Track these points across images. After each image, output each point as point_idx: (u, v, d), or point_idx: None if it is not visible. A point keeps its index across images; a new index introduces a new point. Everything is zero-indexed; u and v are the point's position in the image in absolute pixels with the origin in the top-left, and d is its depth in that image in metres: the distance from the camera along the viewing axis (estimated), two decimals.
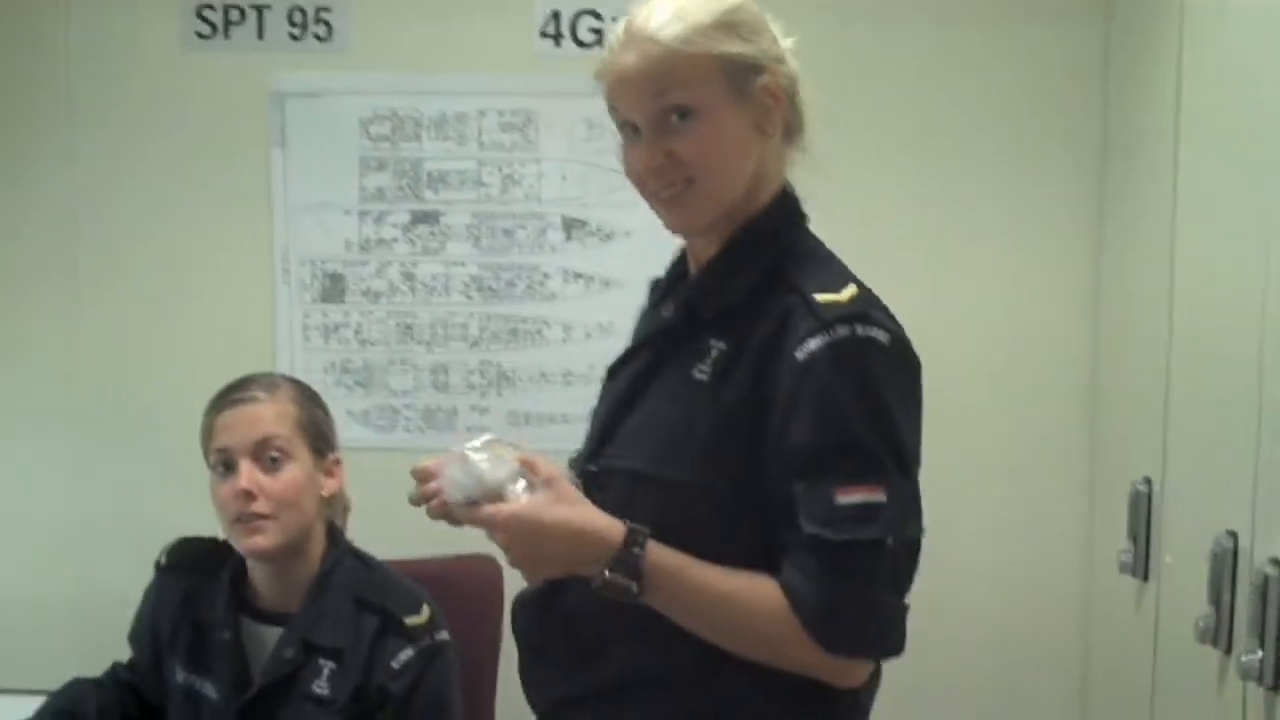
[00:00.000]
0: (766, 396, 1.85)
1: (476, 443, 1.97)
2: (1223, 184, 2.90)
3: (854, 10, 3.56)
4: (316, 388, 3.64)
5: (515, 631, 2.12)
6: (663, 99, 1.92)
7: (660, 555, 1.86)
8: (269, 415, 2.59)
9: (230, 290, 3.72)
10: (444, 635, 2.63)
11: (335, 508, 2.77)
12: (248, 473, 2.53)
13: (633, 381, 2.05)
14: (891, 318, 1.91)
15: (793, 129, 2.02)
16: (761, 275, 1.93)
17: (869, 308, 1.86)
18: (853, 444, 1.79)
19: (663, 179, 1.95)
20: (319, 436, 2.68)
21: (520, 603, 2.10)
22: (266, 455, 2.56)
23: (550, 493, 1.90)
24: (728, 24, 1.92)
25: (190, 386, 3.64)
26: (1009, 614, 3.74)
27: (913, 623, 1.98)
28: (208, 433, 2.60)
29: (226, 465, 2.55)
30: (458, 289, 3.70)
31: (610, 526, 1.87)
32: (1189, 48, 3.07)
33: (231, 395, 2.61)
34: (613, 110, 1.99)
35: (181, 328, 3.70)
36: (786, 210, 2.01)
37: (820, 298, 1.85)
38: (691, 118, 1.92)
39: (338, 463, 2.73)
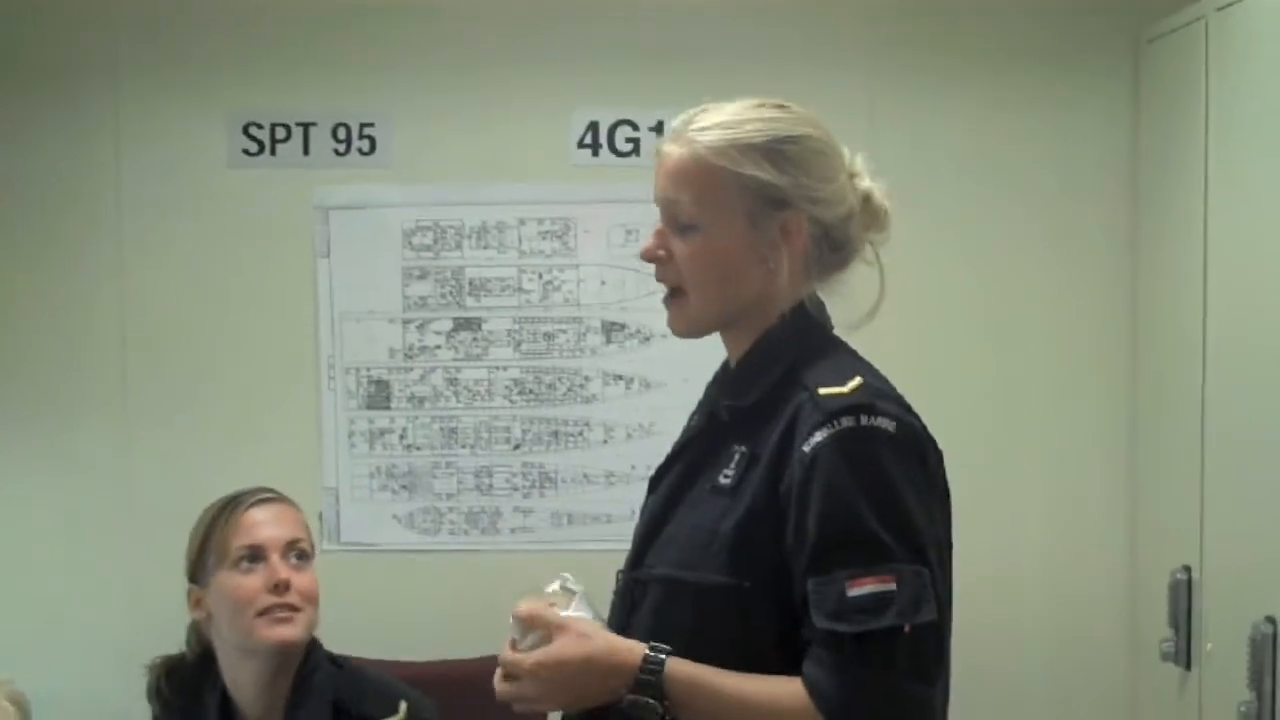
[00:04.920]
0: (782, 494, 1.88)
1: (553, 589, 2.04)
2: (1256, 270, 2.95)
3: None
4: (362, 492, 3.75)
5: None
6: (677, 202, 1.99)
7: (683, 670, 1.88)
8: (294, 518, 2.65)
9: (277, 398, 3.79)
10: None
11: None
12: (282, 565, 2.56)
13: (669, 492, 2.08)
14: (903, 406, 1.93)
15: (824, 265, 2.04)
16: (776, 380, 1.97)
17: (873, 398, 1.88)
18: (861, 534, 1.81)
19: (658, 271, 2.04)
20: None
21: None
22: (293, 553, 2.59)
23: (567, 635, 1.94)
24: (772, 150, 1.95)
25: None
26: (1055, 706, 3.75)
27: (961, 718, 2.01)
28: (231, 530, 2.59)
29: (253, 559, 2.56)
30: (500, 393, 3.76)
31: (629, 651, 1.91)
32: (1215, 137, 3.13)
33: (256, 496, 2.64)
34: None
35: (230, 436, 3.76)
36: (799, 325, 2.02)
37: (824, 391, 1.88)
38: (695, 231, 1.98)
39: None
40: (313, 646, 2.63)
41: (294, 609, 2.54)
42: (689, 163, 1.97)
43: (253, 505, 2.61)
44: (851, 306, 2.08)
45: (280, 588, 2.53)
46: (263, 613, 2.52)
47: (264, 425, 3.79)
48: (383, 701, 2.58)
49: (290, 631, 2.54)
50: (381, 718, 2.56)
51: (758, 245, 1.97)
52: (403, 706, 2.56)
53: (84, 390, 3.77)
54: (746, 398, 2.00)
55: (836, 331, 2.08)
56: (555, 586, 2.03)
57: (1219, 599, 3.12)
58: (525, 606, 1.99)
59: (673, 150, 2.00)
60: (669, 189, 2.00)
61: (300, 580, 2.57)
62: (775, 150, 1.96)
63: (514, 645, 1.98)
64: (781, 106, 2.02)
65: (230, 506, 2.62)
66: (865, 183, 2.05)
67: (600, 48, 3.71)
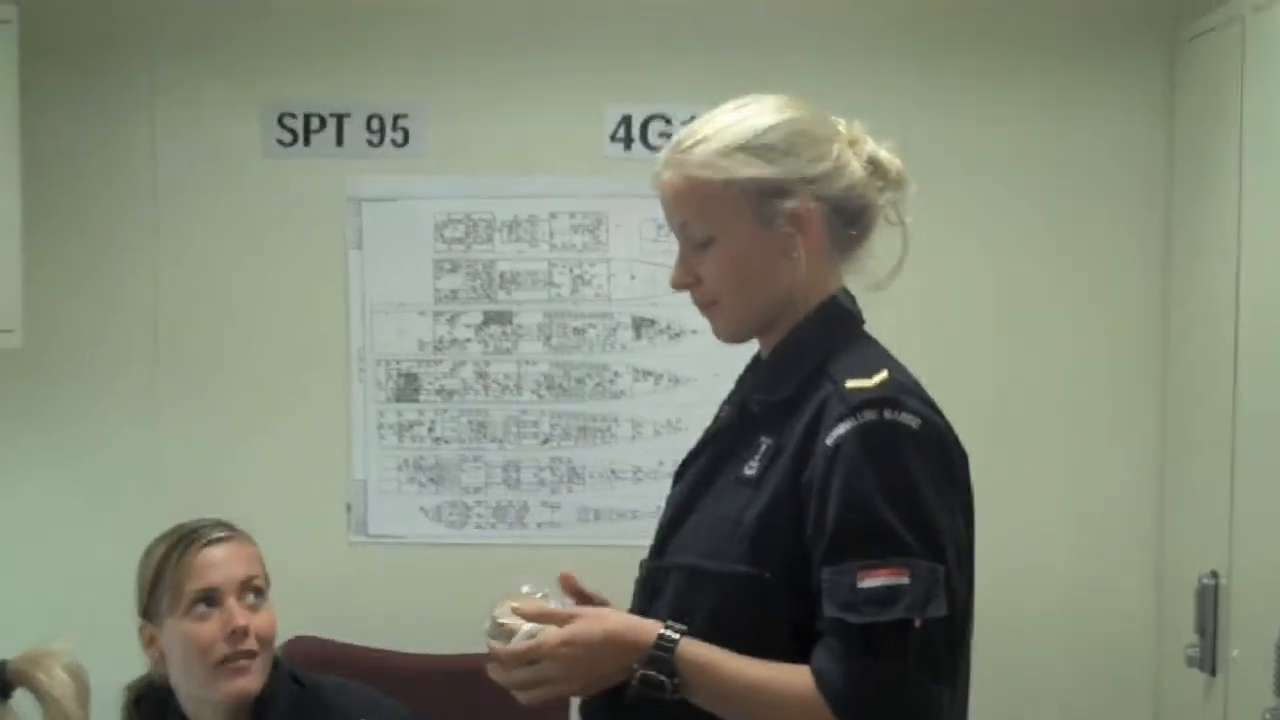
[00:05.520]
0: (804, 485, 1.89)
1: (524, 591, 2.04)
2: None
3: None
4: (390, 485, 3.76)
5: None
6: (686, 224, 2.02)
7: (695, 651, 1.89)
8: (249, 554, 2.55)
9: (307, 389, 3.81)
10: None
11: None
12: (239, 611, 2.47)
13: (695, 482, 2.09)
14: (929, 404, 1.92)
15: (844, 242, 2.03)
16: (806, 374, 1.97)
17: (899, 393, 1.88)
18: (876, 526, 1.81)
19: (693, 295, 2.06)
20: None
21: (589, 708, 2.10)
22: (249, 593, 2.50)
23: (584, 618, 1.96)
24: (757, 146, 1.96)
25: (269, 482, 3.75)
26: (1080, 710, 3.73)
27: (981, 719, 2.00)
28: (184, 573, 2.48)
29: (209, 603, 2.46)
30: (529, 387, 3.76)
31: (645, 627, 1.93)
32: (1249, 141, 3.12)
33: (209, 535, 2.53)
34: None
35: (259, 425, 3.79)
36: (830, 318, 2.03)
37: (850, 384, 1.89)
38: (711, 246, 2.00)
39: None
40: (274, 666, 2.56)
41: (251, 655, 2.47)
42: (683, 184, 2.00)
43: (206, 545, 2.51)
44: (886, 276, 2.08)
45: (238, 635, 2.45)
46: (222, 662, 2.45)
47: (293, 415, 3.80)
48: None
49: (247, 683, 2.47)
50: None
51: (774, 241, 1.98)
52: None
53: (115, 377, 3.79)
54: (778, 392, 2.01)
55: (865, 293, 2.09)
56: (528, 589, 2.04)
57: (1246, 605, 3.11)
58: (521, 606, 2.00)
59: (667, 177, 2.02)
60: (675, 214, 2.03)
61: (258, 622, 2.49)
62: (757, 145, 1.97)
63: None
64: (756, 100, 2.03)
65: (182, 545, 2.51)
66: (868, 147, 2.04)
67: (634, 41, 3.71)
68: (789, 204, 1.97)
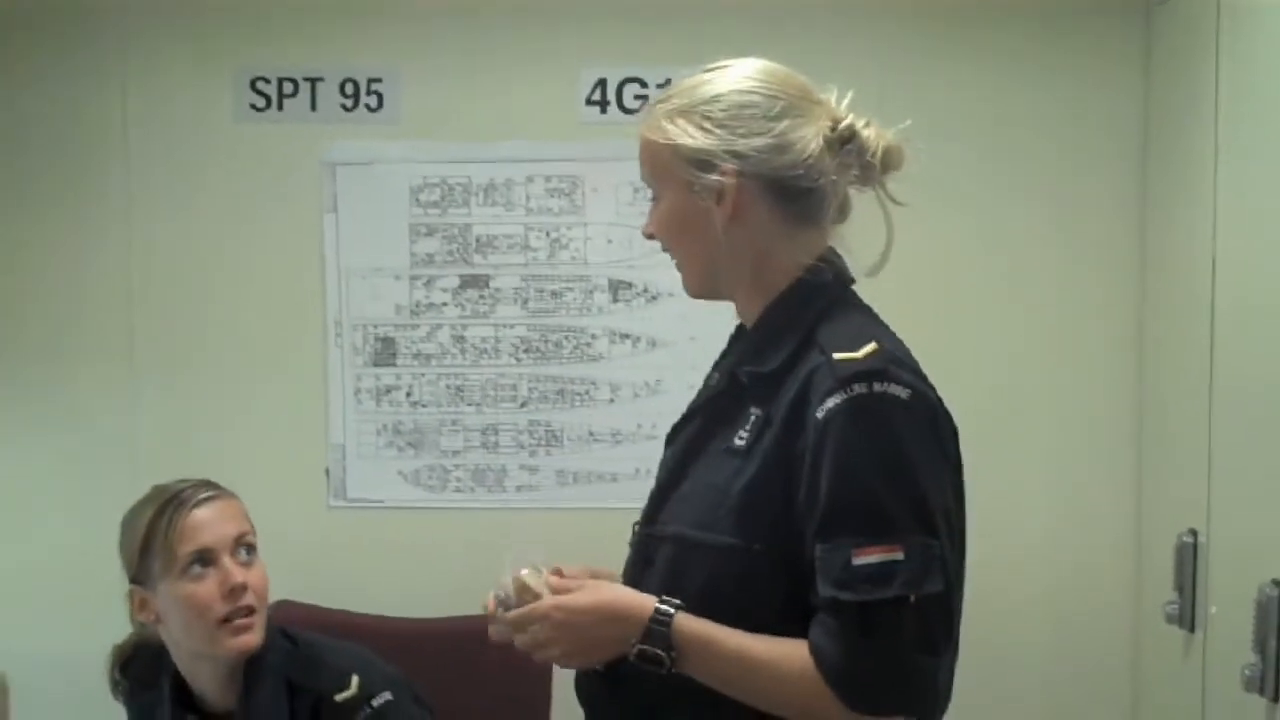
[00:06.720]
0: (794, 457, 1.88)
1: (522, 565, 2.07)
2: (1265, 235, 2.93)
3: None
4: (368, 449, 3.75)
5: (580, 698, 2.15)
6: (647, 179, 2.07)
7: (691, 625, 1.90)
8: (237, 511, 2.58)
9: (284, 354, 3.79)
10: (384, 697, 2.58)
11: None
12: (235, 568, 2.50)
13: (685, 450, 2.10)
14: (918, 374, 1.92)
15: (795, 218, 2.00)
16: (796, 344, 1.97)
17: (888, 364, 1.87)
18: (869, 502, 1.81)
19: (661, 245, 2.10)
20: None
21: (582, 677, 2.13)
22: (241, 549, 2.54)
23: (585, 588, 2.00)
24: (697, 115, 1.98)
25: (247, 447, 3.74)
26: (1058, 667, 3.75)
27: (962, 680, 2.01)
28: (176, 536, 2.50)
29: (204, 563, 2.49)
30: (507, 351, 3.76)
31: (641, 603, 1.94)
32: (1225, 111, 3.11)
33: (197, 495, 2.55)
34: None
35: (236, 391, 3.77)
36: (808, 293, 2.02)
37: (838, 356, 1.88)
38: (657, 200, 2.06)
39: None
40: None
41: (251, 611, 2.51)
42: (642, 141, 2.05)
43: (195, 506, 2.53)
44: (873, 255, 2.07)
45: (236, 592, 2.48)
46: (222, 620, 2.48)
47: (270, 381, 3.79)
48: (336, 677, 2.57)
49: (252, 639, 2.51)
50: (333, 694, 2.56)
51: (696, 209, 2.00)
52: (354, 681, 2.56)
53: (90, 345, 3.77)
54: (767, 364, 2.00)
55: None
56: (511, 558, 2.07)
57: (1225, 562, 3.12)
58: (535, 579, 2.03)
59: (641, 131, 2.06)
60: (641, 165, 2.07)
61: (253, 578, 2.52)
62: (697, 113, 1.99)
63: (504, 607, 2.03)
64: (728, 66, 2.03)
65: (171, 508, 2.53)
66: (846, 124, 2.00)
67: (609, 4, 3.68)
68: (711, 177, 1.97)
